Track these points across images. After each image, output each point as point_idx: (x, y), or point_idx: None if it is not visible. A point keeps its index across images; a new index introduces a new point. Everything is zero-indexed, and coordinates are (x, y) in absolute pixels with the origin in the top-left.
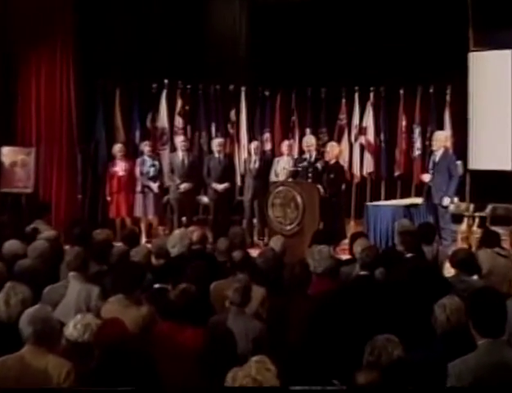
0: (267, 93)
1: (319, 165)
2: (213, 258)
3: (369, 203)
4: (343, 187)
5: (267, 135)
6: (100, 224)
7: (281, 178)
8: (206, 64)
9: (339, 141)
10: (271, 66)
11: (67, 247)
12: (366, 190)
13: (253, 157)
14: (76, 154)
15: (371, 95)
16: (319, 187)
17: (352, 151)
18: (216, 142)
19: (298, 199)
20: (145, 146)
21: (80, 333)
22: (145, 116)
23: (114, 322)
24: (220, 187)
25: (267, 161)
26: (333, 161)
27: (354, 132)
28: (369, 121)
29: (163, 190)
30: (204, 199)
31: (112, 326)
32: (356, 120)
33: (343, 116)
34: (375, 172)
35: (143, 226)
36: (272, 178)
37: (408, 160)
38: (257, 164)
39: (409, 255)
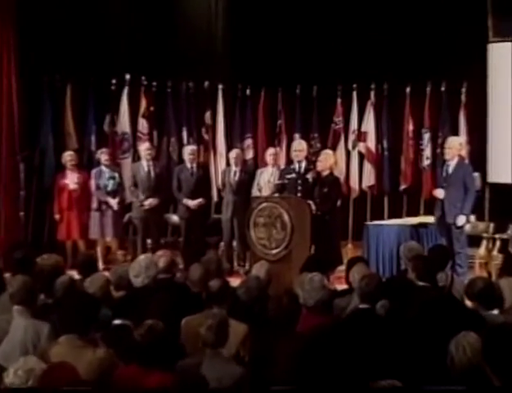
0: (248, 92)
1: (310, 177)
2: (184, 289)
3: (369, 222)
4: (339, 203)
5: (248, 142)
6: (46, 248)
7: (265, 192)
8: (176, 57)
9: (333, 148)
10: (253, 60)
11: (7, 275)
12: (365, 207)
13: (233, 168)
14: (18, 163)
15: (372, 94)
16: (310, 203)
17: (350, 160)
18: (188, 150)
19: (286, 217)
20: (103, 155)
21: (22, 380)
22: (103, 118)
23: (62, 366)
24: (193, 203)
25: (248, 173)
26: (326, 172)
27: (352, 138)
28: (369, 125)
29: (125, 207)
30: (174, 218)
31: (60, 371)
32: (354, 124)
33: (338, 119)
34: (377, 185)
35: (100, 250)
36: (255, 192)
37: (416, 171)
38: (236, 177)
39: (420, 284)
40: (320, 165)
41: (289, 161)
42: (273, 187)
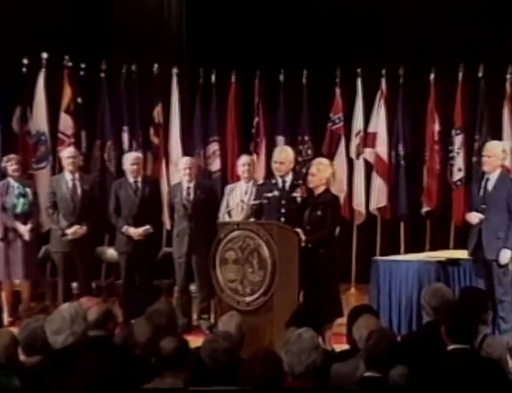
0: (213, 79)
1: (298, 196)
2: (125, 351)
3: (380, 258)
4: (338, 231)
5: (213, 147)
6: None
7: (237, 216)
8: (115, 30)
9: (330, 156)
10: (220, 35)
11: None
12: (374, 237)
13: (191, 183)
14: None
15: (383, 81)
16: (298, 231)
17: (353, 172)
18: (130, 159)
19: (265, 252)
20: (10, 163)
21: None
22: (11, 113)
23: None
24: (136, 232)
25: (212, 190)
26: (321, 190)
27: (356, 141)
28: (379, 124)
29: (40, 236)
30: (110, 252)
31: None
32: (358, 123)
33: (337, 116)
34: (390, 207)
35: (4, 297)
36: (223, 216)
37: (443, 187)
38: (190, 196)
39: (451, 347)
40: (312, 180)
41: (270, 174)
42: (248, 210)
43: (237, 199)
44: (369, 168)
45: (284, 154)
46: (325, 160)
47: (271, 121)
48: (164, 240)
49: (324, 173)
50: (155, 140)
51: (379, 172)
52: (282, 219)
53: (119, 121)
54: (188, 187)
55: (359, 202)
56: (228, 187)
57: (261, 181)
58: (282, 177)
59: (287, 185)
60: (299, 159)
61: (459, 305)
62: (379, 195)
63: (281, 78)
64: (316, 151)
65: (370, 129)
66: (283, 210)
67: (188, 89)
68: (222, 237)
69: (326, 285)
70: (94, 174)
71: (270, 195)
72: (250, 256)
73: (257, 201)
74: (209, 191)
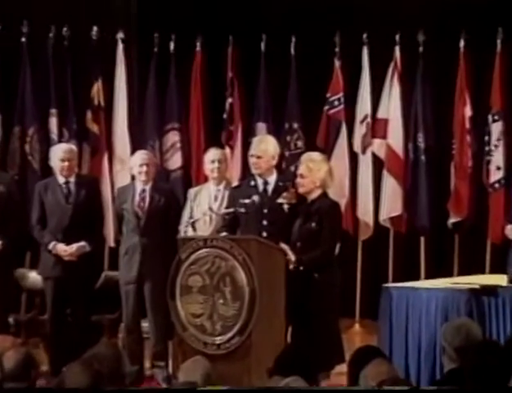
0: (171, 46)
1: (285, 203)
2: None
3: (392, 285)
4: (337, 249)
5: (172, 138)
6: None
7: (204, 230)
8: None
9: (327, 150)
10: None
11: None
12: (386, 256)
13: (138, 186)
14: None
15: (397, 51)
16: (286, 249)
17: (358, 171)
18: (59, 152)
19: (241, 276)
20: None
21: None
22: None
23: None
24: (68, 250)
25: (172, 195)
26: (315, 194)
27: (361, 130)
28: (392, 107)
29: None
30: (32, 276)
31: None
32: (364, 106)
33: (336, 97)
34: (407, 217)
35: None
36: (184, 230)
37: (477, 190)
38: (146, 202)
39: None
40: (302, 183)
41: (248, 173)
42: (218, 221)
43: (204, 207)
44: (378, 165)
45: (264, 146)
46: (318, 156)
47: (248, 103)
48: (107, 261)
49: (318, 172)
50: (94, 127)
51: (392, 170)
52: (264, 234)
53: (44, 102)
54: (143, 191)
55: (365, 210)
56: (192, 192)
57: (236, 183)
58: (263, 177)
59: (270, 188)
60: (286, 153)
61: (488, 346)
62: (392, 201)
63: (262, 46)
64: (308, 143)
65: (380, 114)
66: (265, 222)
67: (138, 61)
68: (184, 258)
69: (322, 320)
70: (11, 172)
71: (247, 201)
72: (221, 283)
73: (230, 210)
74: (169, 197)
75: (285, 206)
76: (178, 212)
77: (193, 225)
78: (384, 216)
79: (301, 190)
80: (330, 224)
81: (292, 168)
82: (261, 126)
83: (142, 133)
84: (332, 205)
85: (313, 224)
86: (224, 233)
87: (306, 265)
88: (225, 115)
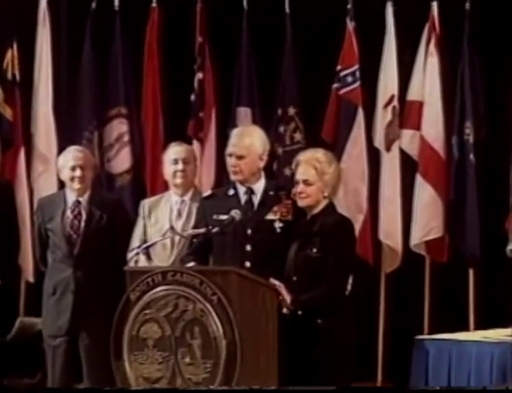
0: (116, 5)
1: (277, 220)
2: None
3: (428, 337)
4: (350, 285)
5: (117, 127)
6: None
7: (163, 259)
8: None
9: (337, 145)
10: None
11: None
12: (419, 296)
13: (84, 196)
14: None
15: (435, 8)
16: (278, 286)
17: (380, 176)
18: None
19: (215, 323)
20: None
21: None
22: None
23: None
24: None
25: (120, 208)
26: (318, 207)
27: (385, 118)
28: (428, 87)
29: None
30: None
31: None
32: (390, 84)
33: (349, 71)
34: (448, 241)
35: None
36: (135, 257)
37: None
38: (81, 220)
39: None
40: (305, 190)
41: (226, 179)
42: (184, 246)
43: (163, 226)
44: (409, 167)
45: (248, 140)
46: (324, 154)
47: (226, 80)
48: (23, 302)
49: (324, 177)
50: (7, 111)
51: (429, 174)
52: (247, 264)
53: None
54: (77, 204)
55: (391, 231)
56: (146, 205)
57: (207, 191)
58: (247, 184)
59: (256, 199)
60: (279, 150)
61: None
62: (429, 218)
63: (244, 4)
64: (309, 137)
65: (412, 96)
66: (249, 247)
67: (68, 19)
68: (134, 298)
69: (329, 383)
70: None
71: (224, 218)
72: (188, 334)
73: (200, 230)
74: (113, 213)
75: (277, 225)
76: (126, 233)
77: (147, 252)
78: (416, 239)
79: (302, 202)
80: (338, 250)
81: (287, 171)
82: (243, 112)
83: (75, 121)
84: (342, 222)
85: (315, 250)
86: (191, 264)
87: (306, 308)
88: (193, 97)
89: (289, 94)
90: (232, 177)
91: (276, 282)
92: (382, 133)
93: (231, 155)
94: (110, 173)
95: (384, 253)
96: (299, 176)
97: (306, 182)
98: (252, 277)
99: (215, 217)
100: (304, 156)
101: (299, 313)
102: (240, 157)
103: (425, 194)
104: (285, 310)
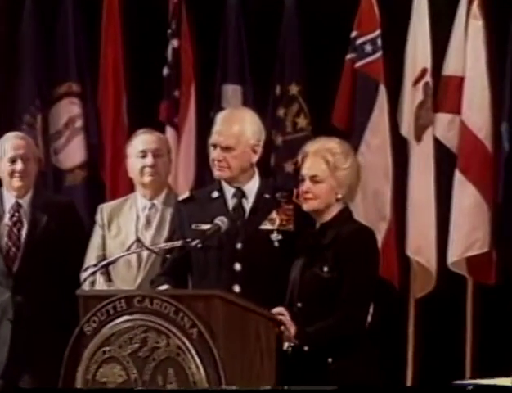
0: None
1: (274, 231)
2: None
3: (470, 381)
4: (369, 315)
5: (67, 108)
6: None
7: (127, 279)
8: None
9: (353, 134)
10: None
11: None
12: (460, 328)
13: (24, 198)
14: None
15: None
16: (276, 313)
17: (409, 172)
18: None
19: (195, 363)
20: None
21: None
22: None
23: None
24: None
25: (68, 215)
26: (331, 214)
27: (415, 98)
28: (471, 59)
29: None
30: None
31: None
32: (421, 54)
33: (368, 39)
34: (496, 257)
35: None
36: (91, 278)
37: None
38: (35, 228)
39: None
40: (313, 190)
41: (209, 177)
42: (154, 264)
43: (127, 237)
44: (447, 162)
45: (237, 127)
46: (338, 144)
47: (208, 48)
48: None
49: (336, 173)
50: None
51: (472, 171)
52: (236, 288)
53: None
54: (16, 208)
55: (422, 245)
56: (105, 210)
57: (185, 193)
58: (235, 183)
59: (248, 203)
60: (278, 140)
61: None
62: (472, 227)
63: None
64: (317, 122)
65: (449, 69)
66: (238, 266)
67: None
68: (90, 331)
69: None
70: None
71: (207, 228)
72: (160, 377)
73: (176, 243)
74: (63, 220)
75: (276, 237)
76: (80, 247)
77: (107, 271)
78: (455, 255)
79: (308, 205)
80: (356, 269)
81: (288, 166)
82: (231, 91)
83: (12, 101)
84: (361, 233)
85: (326, 269)
86: (164, 286)
87: (313, 343)
88: (165, 71)
89: (290, 67)
90: (217, 174)
91: (279, 310)
92: (411, 117)
93: (215, 145)
94: (59, 168)
95: (413, 273)
96: (306, 171)
97: (314, 180)
98: (242, 304)
99: (195, 227)
100: (313, 147)
101: (305, 349)
102: (226, 149)
103: (467, 197)
104: (286, 346)
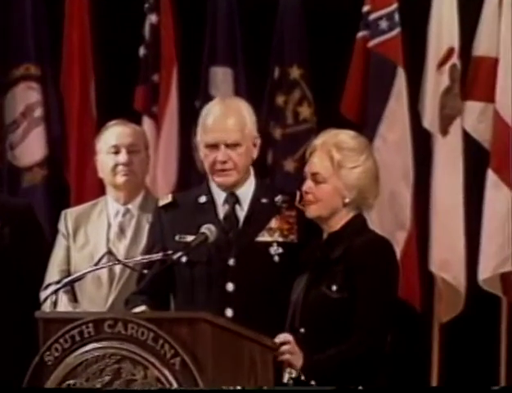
0: None
1: (273, 243)
2: None
3: None
4: (386, 345)
5: (24, 94)
6: None
7: (96, 299)
8: None
9: (366, 126)
10: None
11: None
12: (493, 356)
13: None
14: None
15: None
16: (285, 340)
17: (432, 172)
18: None
19: None
20: None
21: None
22: None
23: None
24: None
25: (25, 222)
26: (341, 221)
27: (440, 84)
28: (505, 35)
29: None
30: None
31: None
32: (446, 32)
33: (383, 14)
34: None
35: None
36: (53, 297)
37: None
38: None
39: None
40: (319, 193)
41: (194, 177)
42: (128, 282)
43: (96, 248)
44: (477, 159)
45: (236, 118)
46: (351, 138)
47: (193, 25)
48: None
49: (341, 171)
50: None
51: (508, 172)
52: (229, 312)
53: None
54: None
55: (448, 259)
56: (70, 215)
57: (167, 197)
58: (225, 185)
59: (242, 210)
60: (276, 132)
61: None
62: (507, 238)
63: None
64: (323, 111)
65: (480, 49)
66: (231, 286)
67: None
68: (51, 361)
69: None
70: None
71: (192, 239)
72: None
73: (156, 256)
74: (20, 226)
75: (275, 250)
76: (39, 260)
77: (72, 290)
78: (488, 271)
79: (309, 211)
80: (370, 288)
81: (288, 164)
82: (221, 74)
83: None
84: (377, 245)
85: (335, 288)
86: (141, 308)
87: (321, 375)
88: (142, 51)
89: (290, 47)
90: (221, 180)
91: (283, 337)
92: (435, 106)
93: (215, 145)
94: (15, 165)
95: (437, 292)
96: (308, 168)
97: (315, 178)
98: (235, 329)
99: (178, 238)
100: (321, 139)
101: (312, 383)
102: (233, 146)
103: (501, 201)
104: (286, 378)
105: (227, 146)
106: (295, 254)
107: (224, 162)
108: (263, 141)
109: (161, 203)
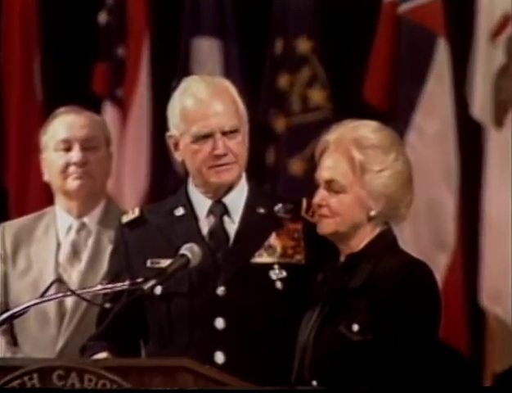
0: None
1: (275, 265)
2: None
3: None
4: None
5: None
6: None
7: (47, 343)
8: None
9: (392, 118)
10: None
11: None
12: None
13: None
14: None
15: None
16: None
17: (484, 177)
18: None
19: None
20: None
21: None
22: None
23: None
24: None
25: None
26: (364, 240)
27: (492, 61)
28: None
29: None
30: None
31: None
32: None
33: None
34: None
35: None
36: None
37: None
38: None
39: None
40: (324, 201)
41: (173, 181)
42: (83, 318)
43: (41, 274)
44: None
45: (225, 100)
46: (372, 133)
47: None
48: None
49: (366, 176)
50: None
51: None
52: (220, 358)
53: None
54: None
55: (503, 292)
56: (8, 232)
57: (133, 211)
58: (209, 192)
59: (233, 224)
60: (279, 123)
61: None
62: None
63: None
64: (340, 96)
65: None
66: (221, 322)
67: None
68: None
69: None
70: None
71: (166, 264)
72: None
73: (122, 284)
74: None
75: (276, 274)
76: None
77: (10, 329)
78: None
79: (322, 227)
80: (402, 328)
81: (293, 165)
82: (206, 48)
83: None
84: (409, 270)
85: (356, 328)
86: (101, 354)
87: None
88: (103, 17)
89: (297, 13)
90: (217, 179)
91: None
92: (487, 90)
93: (209, 135)
94: None
95: (489, 334)
96: (320, 173)
97: (330, 187)
98: (223, 380)
99: (150, 263)
100: (335, 134)
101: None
102: (230, 133)
103: None
104: None
105: (225, 134)
106: (303, 279)
107: (224, 155)
108: (262, 135)
109: (125, 219)
